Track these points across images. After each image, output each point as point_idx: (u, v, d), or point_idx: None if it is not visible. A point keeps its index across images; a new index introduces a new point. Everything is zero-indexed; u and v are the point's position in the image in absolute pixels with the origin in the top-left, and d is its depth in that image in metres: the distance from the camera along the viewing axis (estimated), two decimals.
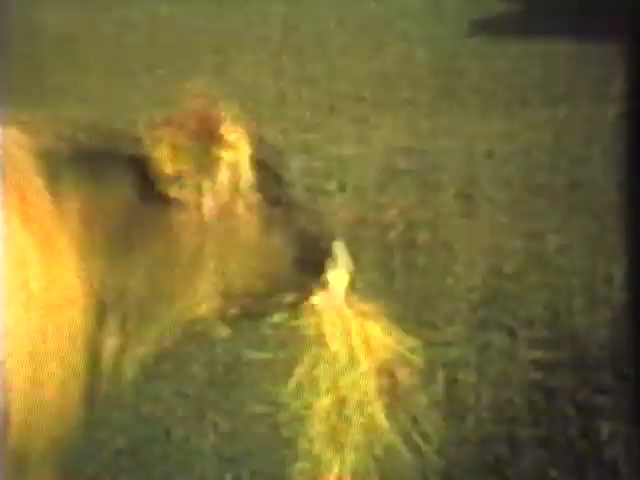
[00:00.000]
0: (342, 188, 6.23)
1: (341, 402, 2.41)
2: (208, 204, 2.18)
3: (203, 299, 2.23)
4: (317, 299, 2.41)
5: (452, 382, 3.99)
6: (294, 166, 6.39)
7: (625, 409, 3.70)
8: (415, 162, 6.63)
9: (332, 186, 6.27)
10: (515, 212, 5.70)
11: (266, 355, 4.20)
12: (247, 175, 2.24)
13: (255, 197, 2.26)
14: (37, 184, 2.02)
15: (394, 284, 4.92)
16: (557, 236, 5.31)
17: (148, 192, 2.14)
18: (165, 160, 2.12)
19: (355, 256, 5.49)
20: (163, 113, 2.20)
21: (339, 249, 2.44)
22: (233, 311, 2.31)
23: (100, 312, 2.08)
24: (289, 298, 2.39)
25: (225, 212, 2.21)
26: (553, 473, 3.41)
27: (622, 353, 4.09)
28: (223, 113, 2.24)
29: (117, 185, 2.15)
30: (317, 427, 2.41)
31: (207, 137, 2.17)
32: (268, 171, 2.33)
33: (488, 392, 3.95)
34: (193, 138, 2.15)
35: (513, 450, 3.55)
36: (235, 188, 2.22)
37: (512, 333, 4.39)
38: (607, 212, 5.57)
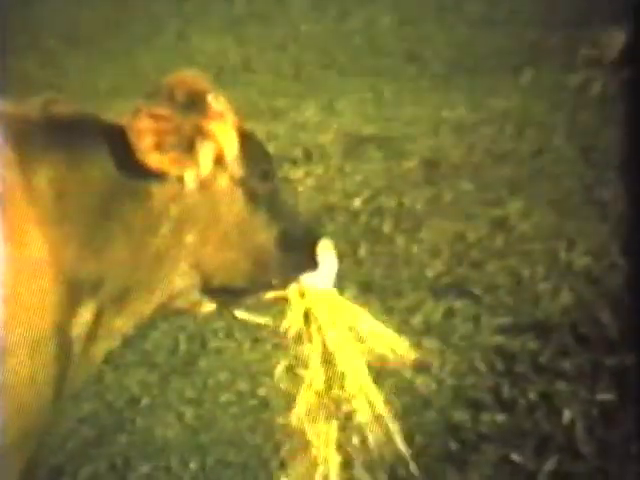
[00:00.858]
0: (307, 155, 6.22)
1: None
2: (190, 176, 2.13)
3: (181, 278, 2.18)
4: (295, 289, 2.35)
5: (416, 348, 4.03)
6: (259, 133, 6.35)
7: (585, 372, 3.77)
8: (380, 129, 6.63)
9: (297, 153, 6.25)
10: (479, 179, 5.72)
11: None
12: (233, 146, 2.18)
13: (241, 170, 2.20)
14: (8, 156, 1.97)
15: (358, 251, 4.93)
16: (520, 202, 5.35)
17: (126, 163, 2.07)
18: (148, 134, 2.05)
19: (320, 224, 5.52)
20: (149, 88, 2.14)
21: (324, 250, 2.37)
22: (212, 288, 2.24)
23: (72, 302, 2.03)
24: (273, 282, 2.32)
25: (207, 184, 2.15)
26: (515, 440, 3.46)
27: (583, 317, 4.15)
28: (208, 84, 2.17)
29: (93, 155, 2.09)
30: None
31: (193, 108, 2.11)
32: (255, 143, 2.27)
33: (452, 358, 3.99)
34: (178, 110, 2.09)
35: (474, 415, 3.59)
36: (219, 159, 2.16)
37: (476, 299, 4.44)
38: (570, 178, 5.62)
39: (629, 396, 3.57)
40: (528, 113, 6.64)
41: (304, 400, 2.34)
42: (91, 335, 2.11)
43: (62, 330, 2.00)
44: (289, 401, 2.38)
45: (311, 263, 2.36)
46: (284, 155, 6.11)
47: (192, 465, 3.51)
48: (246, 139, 2.23)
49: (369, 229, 5.18)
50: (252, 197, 2.23)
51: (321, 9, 10.31)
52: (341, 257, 4.85)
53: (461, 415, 3.61)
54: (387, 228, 5.17)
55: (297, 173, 5.88)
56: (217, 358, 4.13)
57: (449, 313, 4.34)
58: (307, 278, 2.36)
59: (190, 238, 2.16)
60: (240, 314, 2.43)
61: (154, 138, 2.05)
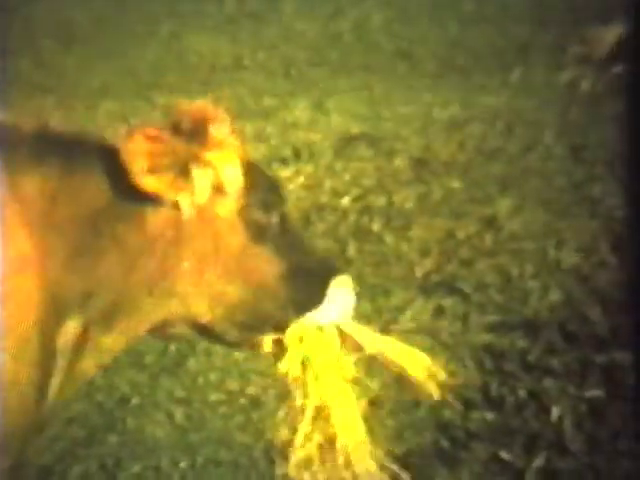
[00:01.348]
0: (297, 154, 6.22)
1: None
2: (185, 202, 2.09)
3: (176, 305, 2.14)
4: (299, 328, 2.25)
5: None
6: (249, 132, 6.37)
7: (574, 369, 3.78)
8: (370, 128, 6.63)
9: (287, 152, 6.25)
10: (469, 177, 5.72)
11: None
12: (235, 177, 2.14)
13: (242, 200, 2.16)
14: None
15: (347, 250, 4.93)
16: (510, 201, 5.35)
17: (121, 185, 2.05)
18: (141, 156, 2.02)
19: (310, 222, 5.52)
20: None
21: (339, 286, 2.27)
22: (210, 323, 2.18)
23: (57, 310, 2.01)
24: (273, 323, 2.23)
25: (206, 212, 2.12)
26: (504, 438, 3.46)
27: (572, 314, 4.15)
28: (219, 113, 2.14)
29: (87, 172, 2.06)
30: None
31: (194, 135, 2.09)
32: (261, 175, 2.24)
33: (441, 356, 3.99)
34: (178, 135, 2.07)
35: (464, 413, 3.60)
36: (218, 188, 2.13)
37: (465, 297, 4.44)
38: (560, 176, 5.63)
39: (618, 393, 3.57)
40: (518, 111, 6.65)
41: (302, 451, 2.29)
42: (79, 348, 2.09)
43: (45, 334, 1.99)
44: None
45: (321, 299, 2.26)
46: (274, 154, 6.11)
47: (182, 464, 3.51)
48: (252, 170, 2.20)
49: (358, 228, 5.17)
50: (255, 229, 2.18)
51: (313, 7, 10.30)
52: (330, 256, 4.87)
53: (451, 413, 3.61)
54: (376, 227, 5.17)
55: (287, 172, 5.88)
56: (207, 358, 4.13)
57: (438, 311, 4.34)
58: (311, 315, 2.26)
59: (187, 266, 2.11)
60: None
61: (147, 160, 2.03)
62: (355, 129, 6.59)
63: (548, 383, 3.70)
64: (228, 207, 2.15)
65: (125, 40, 9.51)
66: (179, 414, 3.78)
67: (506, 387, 3.72)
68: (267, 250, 2.20)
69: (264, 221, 2.19)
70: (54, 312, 2.01)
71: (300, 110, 7.11)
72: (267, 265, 2.20)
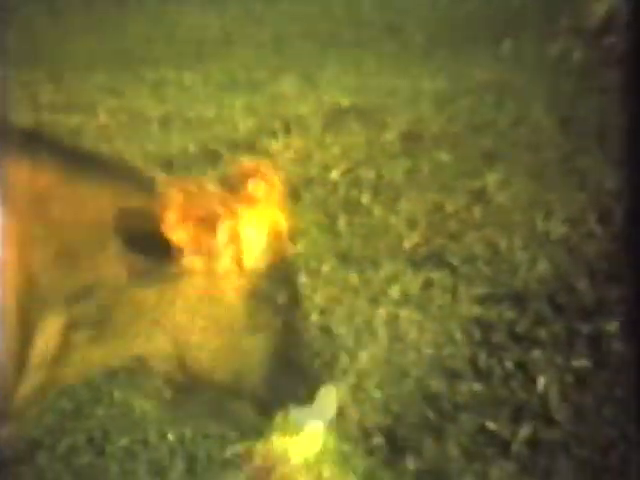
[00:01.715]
0: (287, 128, 6.20)
1: None
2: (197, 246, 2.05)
3: (161, 341, 2.13)
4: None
5: (394, 319, 4.05)
6: (238, 105, 6.35)
7: (561, 339, 3.80)
8: (360, 101, 6.61)
9: (277, 125, 6.23)
10: (458, 150, 5.72)
11: None
12: (257, 240, 2.11)
13: (256, 270, 2.12)
14: None
15: (337, 223, 4.93)
16: (499, 173, 5.35)
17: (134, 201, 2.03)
18: (174, 207, 1.99)
19: (298, 194, 5.52)
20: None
21: (326, 392, 2.26)
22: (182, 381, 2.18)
23: (39, 301, 1.99)
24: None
25: (212, 269, 2.09)
26: (491, 409, 3.48)
27: (560, 285, 4.17)
28: (266, 173, 2.12)
29: (89, 182, 2.03)
30: None
31: (232, 189, 2.08)
32: (284, 253, 2.19)
33: (429, 328, 4.00)
34: (220, 187, 2.07)
35: (451, 384, 3.61)
36: (234, 241, 2.09)
37: (454, 269, 4.45)
38: (549, 148, 5.63)
39: (604, 363, 3.60)
40: (508, 84, 6.63)
41: None
42: (62, 353, 2.07)
43: (24, 322, 1.97)
44: None
45: (304, 397, 2.24)
46: (263, 127, 6.09)
47: (170, 437, 3.51)
48: (277, 242, 2.16)
49: (348, 201, 5.17)
50: (257, 298, 2.13)
51: None
52: (319, 229, 4.86)
53: (438, 385, 3.63)
54: (365, 200, 5.17)
55: (276, 145, 5.87)
56: None
57: (427, 284, 4.34)
58: (293, 411, 2.26)
59: (179, 306, 2.10)
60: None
61: (179, 213, 1.99)
62: (344, 102, 6.57)
63: (536, 353, 3.72)
64: (239, 266, 2.11)
65: (114, 13, 9.45)
66: (167, 386, 3.77)
67: (494, 358, 3.73)
68: (262, 327, 2.16)
69: (270, 295, 2.15)
70: (36, 301, 1.99)
71: (289, 83, 7.08)
72: (256, 341, 2.16)
